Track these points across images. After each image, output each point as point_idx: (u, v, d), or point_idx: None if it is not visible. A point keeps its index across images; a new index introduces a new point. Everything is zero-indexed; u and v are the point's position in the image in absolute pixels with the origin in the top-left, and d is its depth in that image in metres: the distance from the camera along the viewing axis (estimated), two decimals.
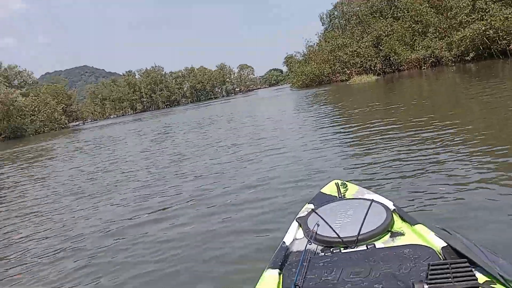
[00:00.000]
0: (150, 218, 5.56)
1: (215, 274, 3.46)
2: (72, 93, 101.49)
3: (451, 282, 1.48)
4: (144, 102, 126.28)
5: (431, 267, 1.51)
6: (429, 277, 1.50)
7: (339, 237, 2.28)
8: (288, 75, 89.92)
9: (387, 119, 10.34)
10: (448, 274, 1.50)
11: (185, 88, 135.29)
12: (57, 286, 3.87)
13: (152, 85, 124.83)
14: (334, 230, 2.35)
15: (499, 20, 28.54)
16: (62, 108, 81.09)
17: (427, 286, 1.48)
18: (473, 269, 1.56)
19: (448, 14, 34.56)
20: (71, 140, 32.70)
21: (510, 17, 28.13)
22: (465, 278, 1.49)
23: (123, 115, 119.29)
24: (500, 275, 1.63)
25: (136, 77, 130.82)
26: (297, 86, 59.05)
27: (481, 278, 1.68)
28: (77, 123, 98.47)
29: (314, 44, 62.51)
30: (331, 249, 2.24)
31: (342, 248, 2.24)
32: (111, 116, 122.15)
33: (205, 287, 3.28)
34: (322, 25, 64.83)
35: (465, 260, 1.58)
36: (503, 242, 2.98)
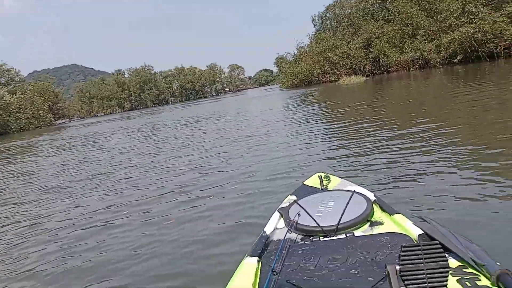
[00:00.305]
0: (134, 209, 5.49)
1: (194, 262, 3.44)
2: (59, 91, 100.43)
3: (422, 263, 1.52)
4: (133, 101, 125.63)
5: (403, 249, 1.54)
6: (401, 258, 1.53)
7: (319, 226, 2.30)
8: (278, 75, 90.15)
9: (373, 118, 10.36)
10: (419, 256, 1.53)
11: (175, 87, 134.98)
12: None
13: (141, 84, 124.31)
14: (314, 220, 2.36)
15: (487, 23, 28.85)
16: (48, 105, 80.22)
17: (398, 267, 1.50)
18: (447, 255, 1.59)
19: (438, 17, 34.88)
20: (55, 137, 32.31)
21: (499, 21, 28.46)
22: (436, 260, 1.52)
23: (110, 113, 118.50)
24: (473, 260, 1.68)
25: (125, 76, 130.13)
26: (286, 86, 59.28)
27: (454, 263, 1.73)
28: (63, 120, 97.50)
29: (305, 45, 62.90)
30: (311, 238, 2.27)
31: (322, 237, 2.26)
32: (98, 114, 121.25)
33: (184, 274, 3.25)
34: (314, 27, 65.19)
35: (437, 242, 1.60)
36: (479, 230, 3.06)
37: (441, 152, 5.50)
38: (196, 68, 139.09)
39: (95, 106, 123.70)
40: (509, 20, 28.36)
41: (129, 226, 4.81)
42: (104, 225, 5.02)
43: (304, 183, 3.28)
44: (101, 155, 13.07)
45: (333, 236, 2.23)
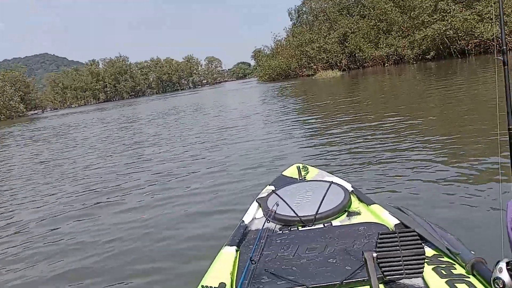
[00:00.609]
0: (110, 201, 5.46)
1: (173, 252, 3.45)
2: (30, 81, 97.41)
3: (399, 250, 1.53)
4: (108, 92, 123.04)
5: (380, 236, 1.55)
6: (378, 245, 1.54)
7: (297, 216, 2.33)
8: (256, 68, 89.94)
9: (349, 111, 10.61)
10: (396, 243, 1.54)
11: (151, 79, 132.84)
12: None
13: (117, 74, 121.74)
14: (292, 210, 2.40)
15: (459, 21, 29.65)
16: (20, 96, 77.79)
17: (375, 254, 1.52)
18: (423, 243, 1.60)
19: (412, 14, 35.57)
20: (28, 128, 31.44)
21: (470, 19, 29.28)
22: (412, 247, 1.54)
23: (85, 105, 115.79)
24: (448, 249, 1.71)
25: (99, 66, 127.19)
26: (264, 79, 59.29)
27: (430, 252, 1.77)
28: (35, 111, 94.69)
29: (282, 38, 62.92)
30: (289, 228, 2.29)
31: (300, 227, 2.29)
32: (72, 105, 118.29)
33: (164, 264, 3.26)
34: (291, 21, 65.19)
35: (413, 229, 1.63)
36: (450, 218, 3.16)
37: (415, 143, 5.72)
38: (172, 59, 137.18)
39: (68, 97, 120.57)
40: (479, 18, 29.23)
41: (101, 217, 4.79)
42: (74, 216, 5.00)
43: (283, 173, 3.31)
44: (74, 147, 12.86)
45: (311, 226, 2.26)
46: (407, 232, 1.57)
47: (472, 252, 1.62)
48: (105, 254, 3.66)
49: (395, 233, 1.56)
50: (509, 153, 1.87)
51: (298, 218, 2.31)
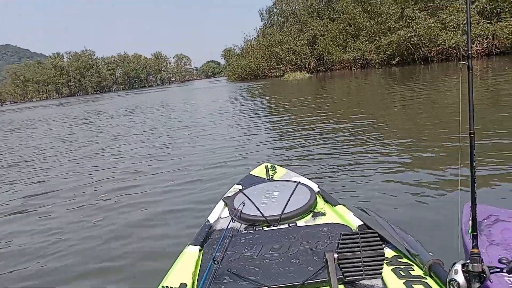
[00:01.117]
0: (66, 201, 5.30)
1: (134, 251, 3.39)
2: None
3: (359, 251, 1.55)
4: (72, 87, 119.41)
5: (341, 237, 1.56)
6: (340, 246, 1.55)
7: (263, 216, 2.33)
8: (225, 67, 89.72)
9: (316, 112, 10.77)
10: (357, 244, 1.56)
11: (118, 75, 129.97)
12: None
13: (81, 69, 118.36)
14: (258, 209, 2.39)
15: (423, 28, 30.63)
16: None
17: (336, 255, 1.53)
18: (383, 245, 1.63)
19: (379, 19, 36.45)
20: None
21: (433, 26, 30.33)
22: (372, 248, 1.56)
23: (47, 99, 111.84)
24: (407, 250, 1.75)
25: (64, 59, 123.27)
26: (233, 79, 59.26)
27: (390, 253, 1.80)
28: None
29: (252, 38, 63.13)
30: (254, 227, 2.28)
31: (265, 227, 2.28)
32: (33, 99, 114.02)
33: (123, 263, 3.20)
34: (262, 21, 65.51)
35: (374, 230, 1.66)
36: (411, 219, 3.27)
37: (380, 146, 5.88)
38: (141, 55, 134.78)
39: (30, 90, 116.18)
40: (442, 26, 30.30)
41: (56, 215, 4.66)
42: (24, 213, 4.86)
43: (251, 173, 3.30)
44: (31, 142, 12.44)
45: (276, 226, 2.26)
46: (368, 233, 1.59)
47: (430, 254, 1.66)
48: (58, 254, 3.54)
49: (357, 234, 1.58)
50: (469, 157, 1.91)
51: (264, 218, 2.31)
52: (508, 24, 26.72)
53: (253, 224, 2.32)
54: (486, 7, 28.79)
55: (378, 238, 1.58)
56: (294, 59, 48.32)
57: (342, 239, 1.56)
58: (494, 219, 2.23)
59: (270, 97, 19.66)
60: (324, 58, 45.57)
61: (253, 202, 2.49)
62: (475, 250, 1.52)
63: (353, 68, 41.24)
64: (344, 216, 2.27)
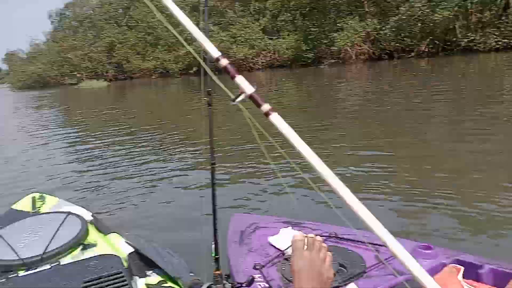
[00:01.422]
0: None
1: None
2: None
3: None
4: None
5: (83, 285, 1.56)
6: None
7: (20, 258, 2.02)
8: (8, 74, 78.38)
9: (115, 125, 10.22)
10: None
11: None
12: None
13: None
14: (15, 251, 2.07)
15: (216, 41, 32.75)
16: None
17: None
18: (151, 271, 1.75)
19: (176, 29, 37.29)
20: None
21: (225, 40, 32.82)
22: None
23: None
24: (172, 273, 1.84)
25: None
26: (18, 87, 52.39)
27: (156, 279, 1.83)
28: None
29: (41, 43, 56.86)
30: (7, 275, 1.93)
31: (23, 271, 1.96)
32: None
33: None
34: (51, 24, 59.44)
35: (120, 271, 1.68)
36: (180, 239, 3.32)
37: (159, 167, 5.77)
38: None
39: None
40: (233, 40, 33.19)
41: None
42: None
43: (12, 207, 2.89)
44: None
45: (36, 269, 1.96)
46: (114, 274, 1.64)
47: (191, 274, 1.80)
48: None
49: (102, 277, 1.62)
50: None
51: (21, 261, 1.99)
52: (285, 41, 31.47)
53: (8, 271, 1.97)
54: (268, 26, 32.95)
55: (124, 279, 1.63)
56: (91, 66, 45.58)
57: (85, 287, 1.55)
58: (255, 227, 2.44)
59: (58, 109, 18.35)
60: (123, 66, 44.33)
61: (8, 243, 2.14)
62: (217, 272, 1.76)
63: (153, 76, 41.44)
64: (115, 245, 2.18)
